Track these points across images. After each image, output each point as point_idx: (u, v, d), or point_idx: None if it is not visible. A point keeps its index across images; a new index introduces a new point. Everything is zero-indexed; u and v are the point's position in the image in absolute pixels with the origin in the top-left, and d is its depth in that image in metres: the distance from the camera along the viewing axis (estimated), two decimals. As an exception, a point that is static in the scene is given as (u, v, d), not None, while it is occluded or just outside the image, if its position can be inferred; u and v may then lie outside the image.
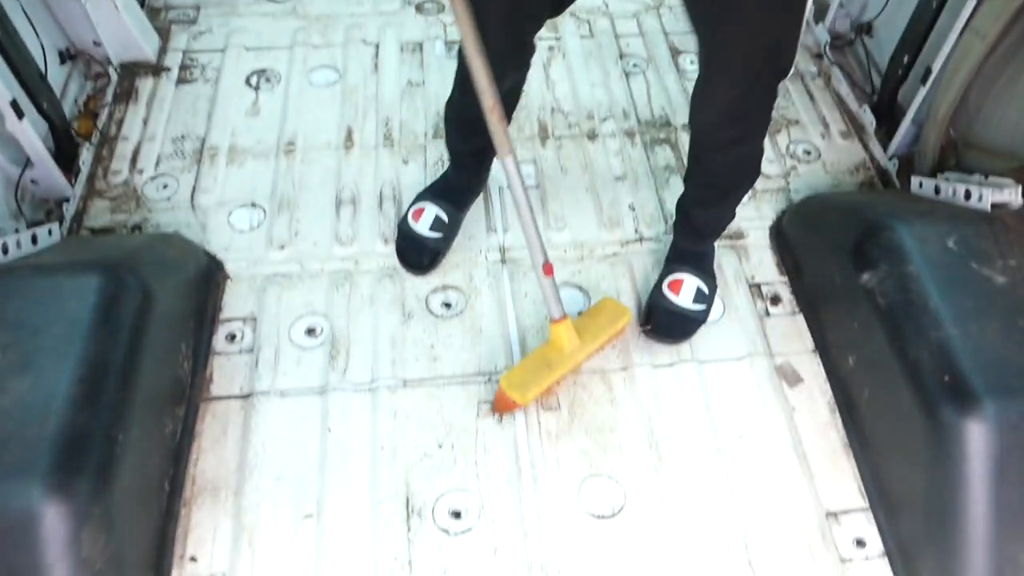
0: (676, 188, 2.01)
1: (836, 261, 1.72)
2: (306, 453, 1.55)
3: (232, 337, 1.71)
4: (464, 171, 1.85)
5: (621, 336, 1.73)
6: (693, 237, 1.79)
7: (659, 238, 1.94)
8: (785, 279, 1.89)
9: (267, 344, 1.69)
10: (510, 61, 1.50)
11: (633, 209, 1.99)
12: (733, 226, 1.90)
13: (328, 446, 1.56)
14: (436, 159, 2.04)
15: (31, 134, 1.72)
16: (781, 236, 1.95)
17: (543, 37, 2.35)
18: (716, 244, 1.85)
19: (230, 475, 1.53)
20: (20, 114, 1.68)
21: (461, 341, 1.72)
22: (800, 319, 1.81)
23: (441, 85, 2.21)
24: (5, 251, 1.44)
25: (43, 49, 1.94)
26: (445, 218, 1.81)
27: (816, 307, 1.80)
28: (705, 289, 1.77)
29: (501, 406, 1.61)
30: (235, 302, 1.76)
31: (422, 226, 1.82)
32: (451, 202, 1.84)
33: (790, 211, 2.00)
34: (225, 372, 1.66)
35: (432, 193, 1.86)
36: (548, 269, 1.55)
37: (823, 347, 1.75)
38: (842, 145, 2.17)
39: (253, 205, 1.93)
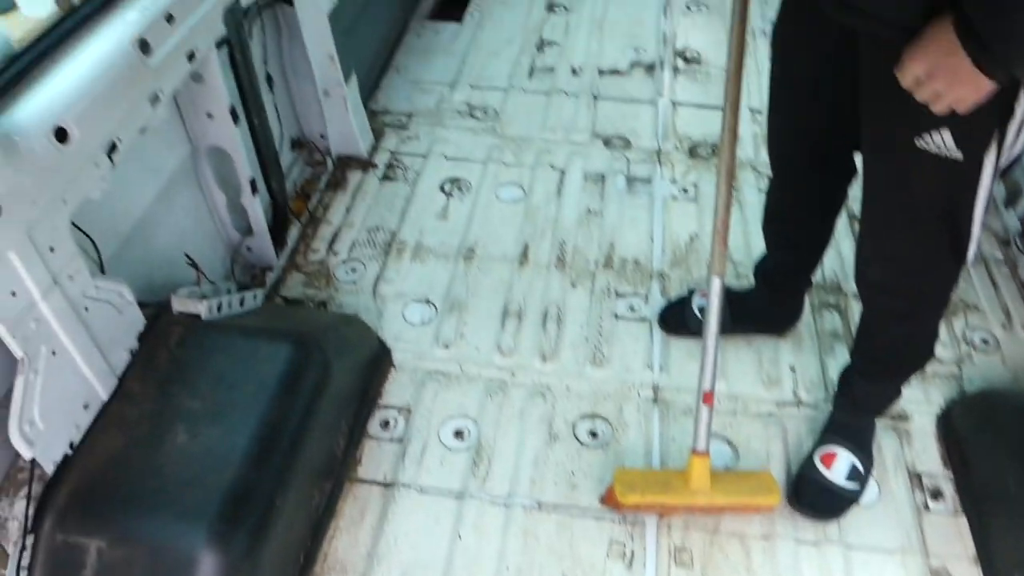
0: (841, 357, 1.97)
1: (1013, 467, 1.61)
2: (434, 555, 1.59)
3: (386, 424, 1.80)
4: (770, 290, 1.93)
5: (757, 512, 1.68)
6: (853, 411, 1.74)
7: (817, 405, 1.89)
8: (950, 473, 1.78)
9: (416, 437, 1.77)
10: (811, 181, 1.63)
11: (794, 371, 1.96)
12: (896, 406, 1.84)
13: (456, 553, 1.59)
14: (604, 287, 2.11)
15: (258, 208, 1.95)
16: (950, 427, 1.85)
17: (723, 187, 2.43)
18: (877, 422, 1.78)
19: (359, 560, 1.59)
20: (255, 190, 1.92)
21: (601, 474, 1.73)
22: (963, 521, 1.69)
23: (618, 217, 2.31)
24: (220, 308, 1.62)
25: (281, 136, 2.22)
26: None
27: (984, 511, 1.68)
28: (860, 467, 1.70)
29: (607, 497, 1.64)
30: (395, 390, 1.87)
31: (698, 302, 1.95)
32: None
33: (962, 402, 1.90)
34: (373, 456, 1.75)
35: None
36: (708, 398, 1.56)
37: (987, 557, 1.62)
38: (1025, 340, 2.06)
39: (427, 302, 2.06)
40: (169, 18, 1.49)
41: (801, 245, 1.81)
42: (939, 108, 1.09)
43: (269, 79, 2.16)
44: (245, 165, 1.87)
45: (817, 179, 1.63)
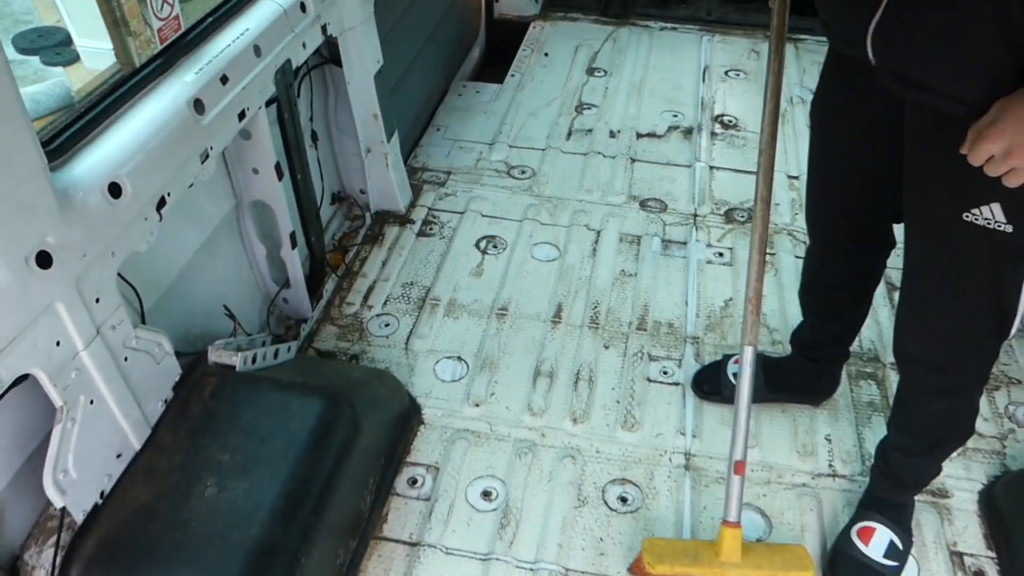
0: (877, 429, 1.93)
1: (1060, 552, 1.55)
2: (459, 618, 1.56)
3: (413, 482, 1.79)
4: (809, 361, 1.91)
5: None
6: (892, 485, 1.69)
7: (854, 478, 1.84)
8: (993, 555, 1.71)
9: (444, 497, 1.76)
10: (850, 253, 1.63)
11: (829, 441, 1.91)
12: (937, 482, 1.79)
13: (481, 615, 1.56)
14: (636, 350, 2.10)
15: (296, 262, 1.98)
16: (992, 505, 1.79)
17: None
18: (916, 498, 1.73)
19: (383, 619, 1.56)
20: (294, 244, 1.95)
21: (631, 541, 1.69)
22: (1007, 606, 1.62)
23: (652, 280, 2.31)
24: (254, 360, 1.64)
25: (322, 190, 2.27)
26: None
27: (1030, 598, 1.61)
28: (899, 544, 1.64)
29: (636, 567, 1.61)
30: (424, 448, 1.86)
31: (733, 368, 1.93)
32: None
33: (1006, 480, 1.84)
34: (399, 515, 1.73)
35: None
36: (740, 468, 1.53)
37: (1033, 647, 1.54)
38: (1073, 419, 2.00)
39: (459, 359, 2.06)
40: (224, 79, 1.55)
41: (839, 316, 1.78)
42: (1014, 183, 1.08)
43: (314, 135, 2.22)
44: (287, 219, 1.91)
45: (856, 251, 1.62)
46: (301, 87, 2.08)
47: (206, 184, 1.63)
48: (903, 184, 1.32)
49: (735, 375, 1.94)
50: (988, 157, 1.08)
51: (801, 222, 2.50)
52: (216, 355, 1.59)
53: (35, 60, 3.40)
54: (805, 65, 3.35)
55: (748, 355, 1.51)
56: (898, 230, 1.58)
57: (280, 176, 1.84)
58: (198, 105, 1.46)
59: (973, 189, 1.16)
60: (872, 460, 1.75)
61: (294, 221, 1.97)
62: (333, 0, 2.00)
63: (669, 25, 3.67)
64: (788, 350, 1.99)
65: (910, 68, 1.13)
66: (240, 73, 1.60)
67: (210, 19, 1.60)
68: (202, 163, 1.48)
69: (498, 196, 2.62)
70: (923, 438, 1.58)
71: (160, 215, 1.37)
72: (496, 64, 3.53)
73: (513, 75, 3.27)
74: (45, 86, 3.04)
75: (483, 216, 2.53)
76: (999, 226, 1.18)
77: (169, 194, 1.39)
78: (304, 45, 1.88)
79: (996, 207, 1.17)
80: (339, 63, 2.14)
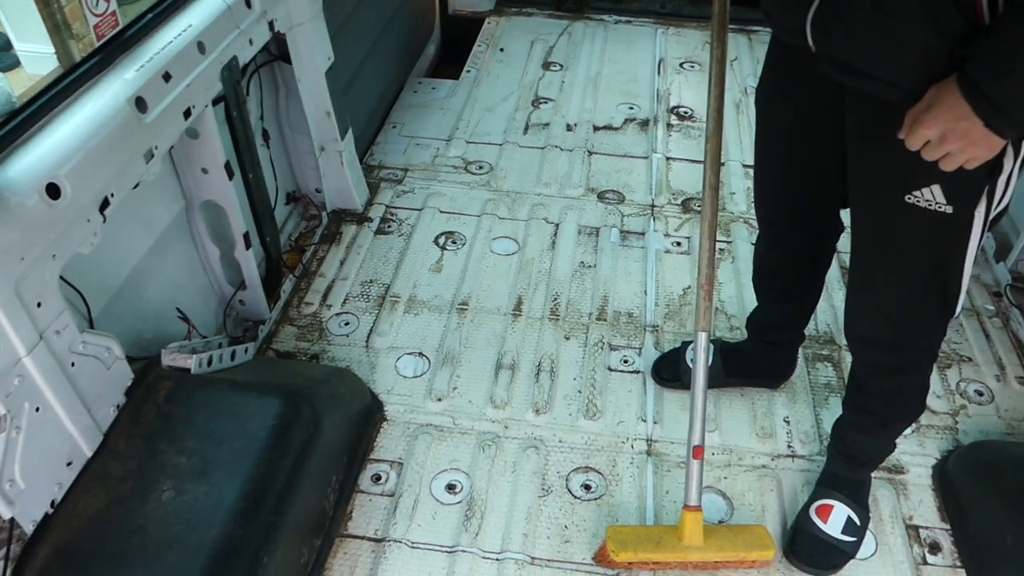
0: (835, 410, 1.96)
1: (1010, 518, 1.59)
2: (425, 611, 1.55)
3: (377, 478, 1.78)
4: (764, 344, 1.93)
5: (752, 567, 1.64)
6: (848, 463, 1.72)
7: (812, 458, 1.87)
8: (947, 527, 1.75)
9: (408, 492, 1.75)
10: (798, 238, 1.66)
11: (788, 423, 1.94)
12: (892, 458, 1.83)
13: (448, 609, 1.56)
14: (597, 340, 2.11)
15: (251, 262, 1.96)
16: (946, 479, 1.83)
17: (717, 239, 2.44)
18: (873, 475, 1.76)
19: (349, 617, 1.55)
20: (248, 245, 1.93)
21: (596, 528, 1.70)
22: (962, 574, 1.66)
23: (611, 271, 2.32)
24: (210, 362, 1.61)
25: (276, 190, 2.24)
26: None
27: (982, 565, 1.65)
28: (856, 520, 1.67)
29: (600, 555, 1.62)
30: (387, 444, 1.85)
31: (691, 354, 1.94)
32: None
33: (957, 454, 1.88)
34: (364, 511, 1.72)
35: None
36: (698, 452, 1.54)
37: (988, 614, 1.58)
38: (1019, 391, 2.05)
39: (420, 354, 2.06)
40: (166, 76, 1.52)
41: (792, 299, 1.81)
42: (949, 167, 1.10)
43: (265, 134, 2.19)
44: (239, 219, 1.88)
45: (803, 236, 1.65)
46: (250, 85, 2.05)
47: (153, 185, 1.60)
48: (847, 169, 1.34)
49: (692, 361, 1.96)
50: (924, 142, 1.10)
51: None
52: (170, 358, 1.56)
53: (-25, 66, 3.32)
54: (759, 56, 3.39)
55: (702, 341, 1.52)
56: (845, 215, 1.61)
57: (231, 175, 1.82)
58: (140, 103, 1.43)
59: (914, 172, 1.19)
60: (829, 440, 1.79)
61: (247, 221, 1.95)
62: (280, -4, 1.98)
63: (624, 19, 3.69)
64: (746, 335, 2.01)
65: (848, 55, 1.15)
66: (184, 70, 1.58)
67: (150, 15, 1.57)
68: (147, 163, 1.45)
69: (456, 192, 2.61)
70: (876, 416, 1.61)
71: (104, 216, 1.34)
72: (452, 60, 3.52)
73: (469, 71, 3.26)
74: (-15, 92, 2.96)
75: (441, 212, 2.52)
76: (940, 207, 1.21)
77: (112, 195, 1.36)
78: (251, 42, 1.86)
79: (936, 189, 1.19)
80: (288, 60, 2.11)
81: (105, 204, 1.34)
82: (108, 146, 1.35)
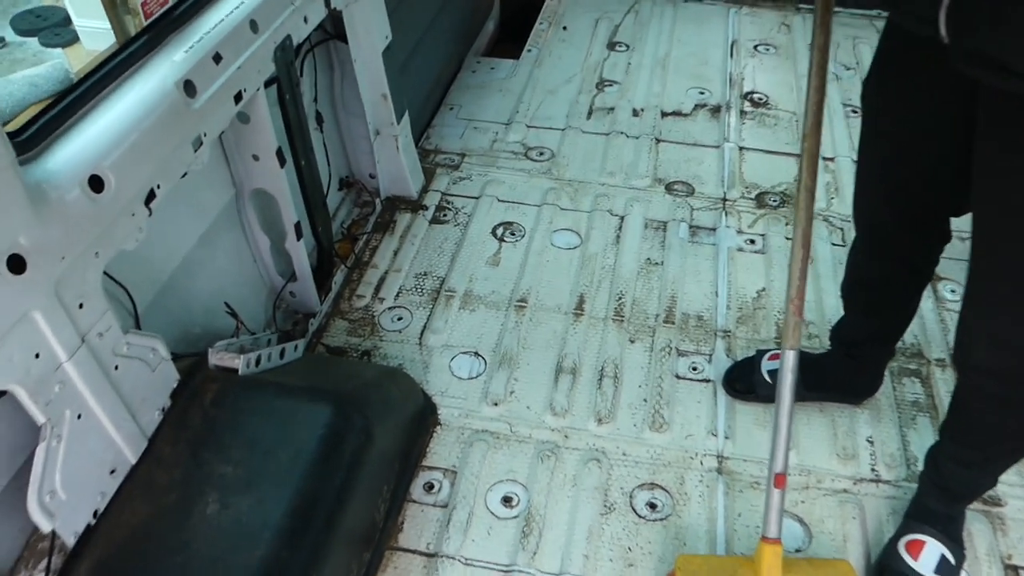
0: (923, 431, 1.80)
1: None
2: (479, 636, 1.46)
3: (430, 487, 1.69)
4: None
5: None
6: (943, 496, 1.57)
7: (899, 484, 1.72)
8: (1052, 568, 1.59)
9: (462, 504, 1.65)
10: (903, 249, 1.50)
11: (871, 443, 1.79)
12: (990, 490, 1.66)
13: (502, 635, 1.46)
14: (664, 344, 1.98)
15: (303, 253, 1.87)
16: (1049, 513, 1.67)
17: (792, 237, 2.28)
18: (967, 508, 1.61)
19: (398, 637, 1.47)
20: (300, 235, 1.84)
21: (661, 551, 1.58)
22: (1069, 624, 1.50)
23: (680, 269, 2.18)
24: (258, 362, 1.53)
25: (329, 176, 2.15)
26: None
27: (1094, 618, 1.49)
28: (951, 558, 1.52)
29: None
30: (441, 450, 1.75)
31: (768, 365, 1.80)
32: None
33: (1063, 485, 1.71)
34: (416, 523, 1.63)
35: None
36: (780, 480, 1.41)
37: (1102, 674, 1.42)
38: None
39: (476, 354, 1.95)
40: (217, 58, 1.42)
41: (887, 313, 1.65)
42: None
43: (319, 117, 2.09)
44: (291, 209, 1.79)
45: (910, 246, 1.49)
46: (304, 65, 1.95)
47: (202, 173, 1.51)
48: (974, 176, 1.17)
49: (770, 373, 1.82)
50: None
51: (838, 207, 2.37)
52: (217, 358, 1.48)
53: (34, 42, 3.29)
54: (839, 39, 3.17)
55: (790, 359, 1.38)
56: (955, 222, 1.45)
57: (283, 163, 1.72)
58: (188, 87, 1.34)
59: None
60: (919, 466, 1.64)
61: (299, 210, 1.85)
62: (337, -31, 1.86)
63: (693, -3, 3.49)
64: (825, 345, 1.86)
65: (993, 47, 0.99)
66: (235, 51, 1.47)
67: (201, -8, 1.47)
68: (195, 151, 1.36)
69: (515, 180, 2.48)
70: (983, 450, 1.45)
71: (149, 210, 1.25)
72: (512, 39, 3.37)
73: (530, 50, 3.12)
74: (43, 68, 2.92)
75: (499, 201, 2.40)
76: None
77: (159, 186, 1.27)
78: (305, 20, 1.75)
79: None
80: (344, 39, 2.00)
81: (151, 197, 1.25)
82: (155, 134, 1.25)
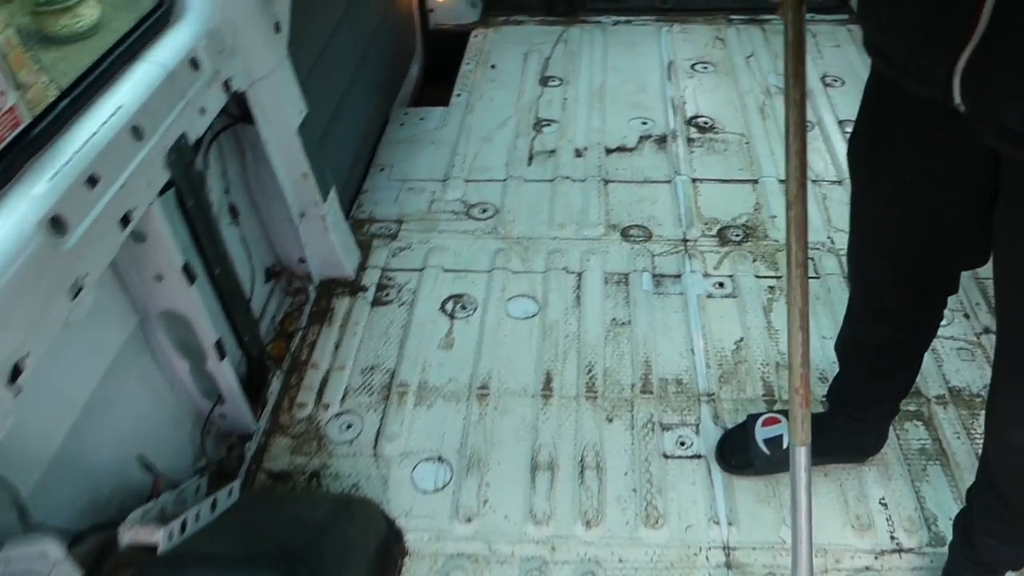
0: (938, 483, 1.65)
1: None
2: None
3: (404, 632, 1.46)
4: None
5: None
6: (977, 569, 1.41)
7: (922, 550, 1.55)
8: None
9: (444, 649, 1.43)
10: (907, 310, 1.34)
11: (885, 506, 1.62)
12: None
13: None
14: (645, 419, 1.79)
15: (228, 372, 1.63)
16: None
17: (762, 278, 2.12)
18: (1008, 574, 1.45)
19: None
20: (223, 354, 1.60)
21: None
22: None
23: (649, 326, 2.00)
24: (184, 528, 1.29)
25: (252, 271, 1.92)
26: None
27: None
28: (996, 639, 1.36)
29: None
30: (412, 585, 1.53)
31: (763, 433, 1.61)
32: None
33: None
34: None
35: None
36: (803, 602, 1.23)
37: None
38: None
39: (440, 459, 1.73)
40: (92, 181, 1.19)
41: (890, 375, 1.49)
42: None
43: (233, 210, 1.86)
44: (208, 327, 1.55)
45: (912, 309, 1.33)
46: (209, 157, 1.72)
47: (94, 305, 1.27)
48: (1001, 254, 1.01)
49: (767, 442, 1.64)
50: None
51: (813, 236, 2.21)
52: (131, 534, 1.23)
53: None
54: (778, 50, 3.06)
55: (801, 458, 1.20)
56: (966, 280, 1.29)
57: (192, 279, 1.49)
58: (57, 224, 1.10)
59: None
60: (939, 525, 1.49)
61: (219, 325, 1.62)
62: (234, 48, 1.64)
63: (623, 19, 3.35)
64: (817, 395, 1.70)
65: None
66: (116, 167, 1.24)
67: (65, 102, 1.23)
68: (73, 298, 1.13)
69: (460, 244, 2.28)
70: (1021, 527, 1.29)
71: (16, 389, 1.01)
72: (438, 82, 3.17)
73: (459, 94, 2.92)
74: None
75: (445, 271, 2.19)
76: None
77: (28, 355, 1.03)
78: (203, 111, 1.53)
79: None
80: (250, 120, 1.78)
81: (16, 373, 1.01)
82: (15, 293, 1.02)
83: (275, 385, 1.87)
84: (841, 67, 2.92)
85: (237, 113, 1.78)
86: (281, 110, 1.82)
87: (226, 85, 1.62)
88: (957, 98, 0.87)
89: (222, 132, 1.77)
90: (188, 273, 1.48)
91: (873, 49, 1.03)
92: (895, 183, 1.15)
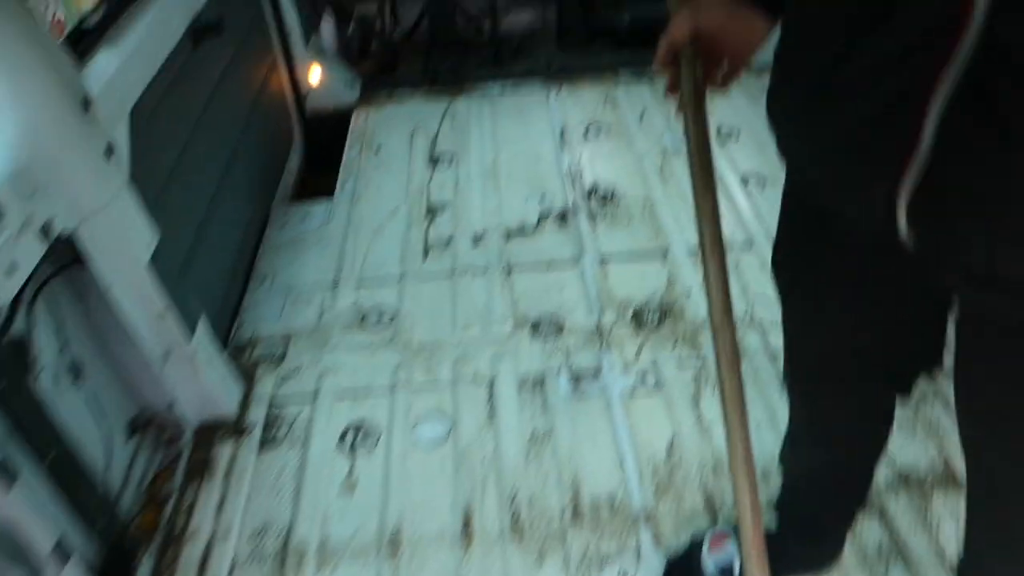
0: (902, 585, 1.51)
1: None
2: None
3: None
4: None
5: None
6: None
7: (898, 672, 1.40)
8: None
9: None
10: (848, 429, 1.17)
11: (852, 621, 1.47)
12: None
13: None
14: (581, 553, 1.58)
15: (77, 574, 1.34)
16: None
17: (685, 364, 1.97)
18: None
19: None
20: (66, 556, 1.32)
21: None
22: None
23: (572, 437, 1.81)
24: None
25: (109, 431, 1.63)
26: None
27: None
28: None
29: None
30: None
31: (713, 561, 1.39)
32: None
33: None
34: None
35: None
36: None
37: None
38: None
39: (349, 639, 1.48)
40: None
41: (845, 490, 1.34)
42: None
43: (76, 370, 1.58)
44: (43, 529, 1.27)
45: (861, 425, 1.18)
46: (34, 314, 1.45)
47: None
48: (966, 418, 0.87)
49: (722, 570, 1.47)
50: None
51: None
52: None
53: None
54: (668, 105, 2.99)
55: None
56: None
57: (12, 478, 1.21)
58: None
59: None
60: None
61: (58, 521, 1.33)
62: (52, 185, 1.39)
63: (509, 85, 3.22)
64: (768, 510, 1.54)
65: (991, 258, 0.68)
66: None
67: None
68: None
69: (356, 360, 2.05)
70: None
71: None
72: (321, 171, 2.96)
73: (343, 185, 2.71)
74: None
75: (342, 395, 1.95)
76: None
77: None
78: (12, 269, 1.26)
79: None
80: (80, 261, 1.52)
81: None
82: None
83: (146, 566, 1.58)
84: (733, 118, 2.85)
85: (68, 256, 1.52)
86: (124, 245, 1.57)
87: (45, 230, 1.36)
88: (903, 231, 0.73)
89: (52, 279, 1.50)
90: (8, 473, 1.20)
91: (789, 163, 0.88)
92: (829, 311, 1.00)
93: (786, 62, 0.84)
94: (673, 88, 0.95)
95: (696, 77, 0.94)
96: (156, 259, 1.64)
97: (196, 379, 1.81)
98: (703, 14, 0.90)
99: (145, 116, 1.68)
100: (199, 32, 2.03)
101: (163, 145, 1.86)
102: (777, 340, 1.74)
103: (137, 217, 1.61)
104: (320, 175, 2.93)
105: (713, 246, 0.95)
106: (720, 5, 0.90)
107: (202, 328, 1.81)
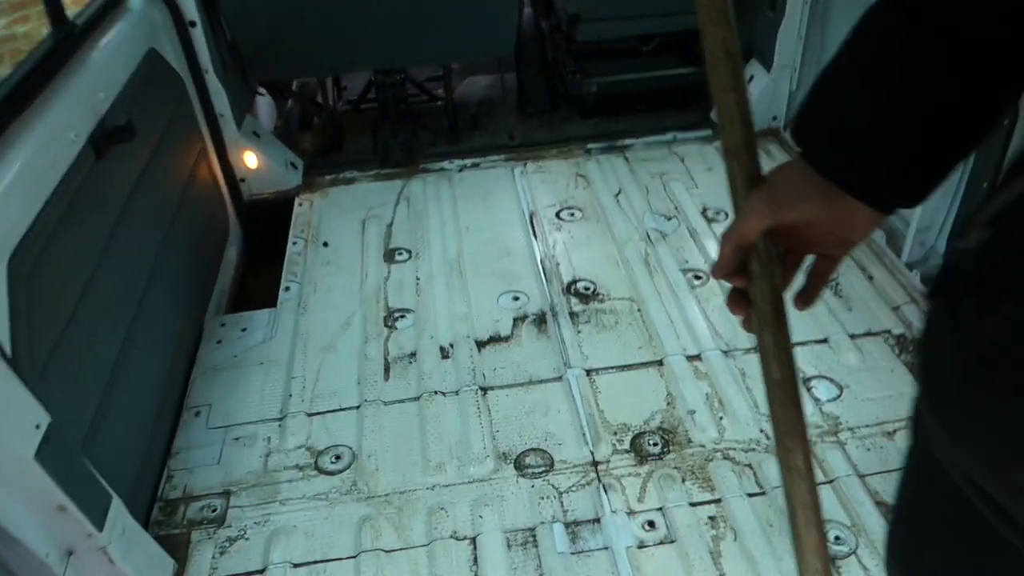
0: None
1: None
2: None
3: None
4: None
5: None
6: None
7: None
8: None
9: None
10: None
11: None
12: None
13: None
14: None
15: None
16: None
17: (698, 503, 1.70)
18: None
19: None
20: None
21: None
22: None
23: (577, 612, 1.52)
24: None
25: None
26: None
27: None
28: None
29: None
30: None
31: None
32: None
33: None
34: None
35: None
36: None
37: None
38: None
39: None
40: None
41: None
42: None
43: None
44: None
45: None
46: None
47: None
48: None
49: None
50: None
51: (741, 433, 1.81)
52: None
53: None
54: (645, 180, 2.76)
55: None
56: None
57: None
58: None
59: None
60: None
61: None
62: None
63: (468, 162, 2.96)
64: None
65: None
66: None
67: None
68: None
69: (311, 518, 1.72)
70: None
71: None
72: (261, 268, 2.65)
73: (288, 288, 2.39)
74: None
75: (295, 567, 1.62)
76: None
77: None
78: None
79: None
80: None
81: None
82: None
83: None
84: (720, 196, 2.63)
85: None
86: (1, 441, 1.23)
87: None
88: None
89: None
90: None
91: (966, 479, 0.62)
92: None
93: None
94: (740, 302, 0.69)
95: (775, 285, 0.68)
96: (47, 444, 1.30)
97: (114, 570, 1.46)
98: (787, 204, 0.65)
99: (30, 261, 1.36)
100: (104, 139, 1.72)
101: (59, 289, 1.53)
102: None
103: (15, 408, 1.27)
104: (262, 270, 2.62)
105: (809, 515, 0.68)
106: (813, 190, 0.65)
107: (116, 510, 1.47)
